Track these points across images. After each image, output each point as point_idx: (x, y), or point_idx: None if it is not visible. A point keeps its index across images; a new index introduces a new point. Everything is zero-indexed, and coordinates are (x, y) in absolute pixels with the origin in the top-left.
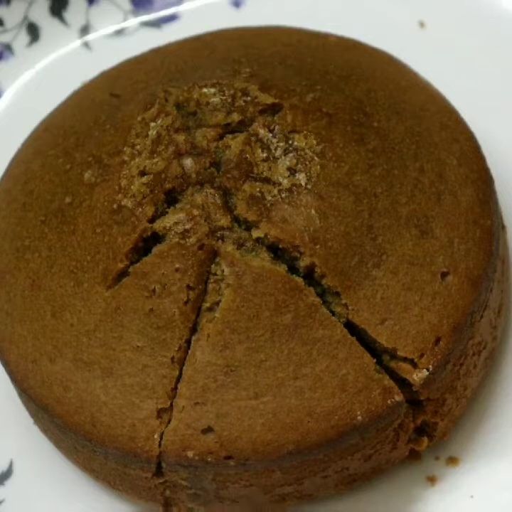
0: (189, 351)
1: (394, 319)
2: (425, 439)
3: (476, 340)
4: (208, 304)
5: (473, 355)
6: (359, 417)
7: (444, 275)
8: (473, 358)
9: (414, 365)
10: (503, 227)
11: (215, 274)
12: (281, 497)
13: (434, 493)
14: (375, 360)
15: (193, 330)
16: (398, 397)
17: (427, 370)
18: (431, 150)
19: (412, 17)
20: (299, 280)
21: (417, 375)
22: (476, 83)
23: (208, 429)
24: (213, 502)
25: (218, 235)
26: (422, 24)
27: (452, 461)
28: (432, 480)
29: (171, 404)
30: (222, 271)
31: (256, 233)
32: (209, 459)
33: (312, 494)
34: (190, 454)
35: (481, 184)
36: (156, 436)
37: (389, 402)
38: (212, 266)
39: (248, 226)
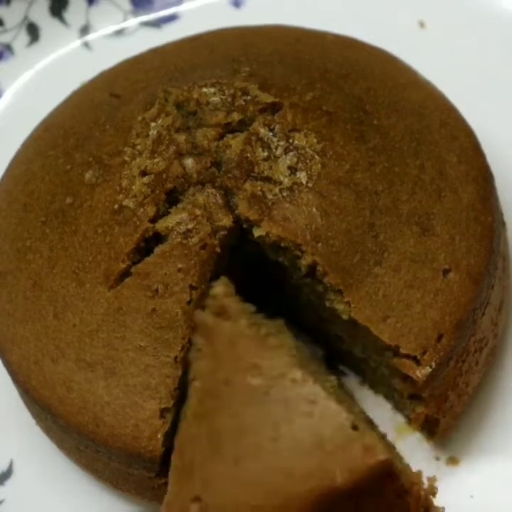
0: (179, 423)
1: (396, 316)
2: None
3: (477, 337)
4: (191, 375)
5: (474, 352)
6: (338, 478)
7: (445, 272)
8: (475, 355)
9: (417, 361)
10: (504, 224)
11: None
12: None
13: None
14: (353, 417)
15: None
16: (382, 456)
17: (430, 366)
18: (431, 147)
19: (412, 17)
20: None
21: (420, 371)
22: (476, 83)
23: (196, 499)
24: None
25: None
26: (422, 24)
27: (452, 461)
28: (431, 480)
29: (174, 404)
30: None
31: (257, 232)
32: None
33: None
34: None
35: (482, 181)
36: (159, 435)
37: (370, 461)
38: (193, 336)
39: (250, 225)
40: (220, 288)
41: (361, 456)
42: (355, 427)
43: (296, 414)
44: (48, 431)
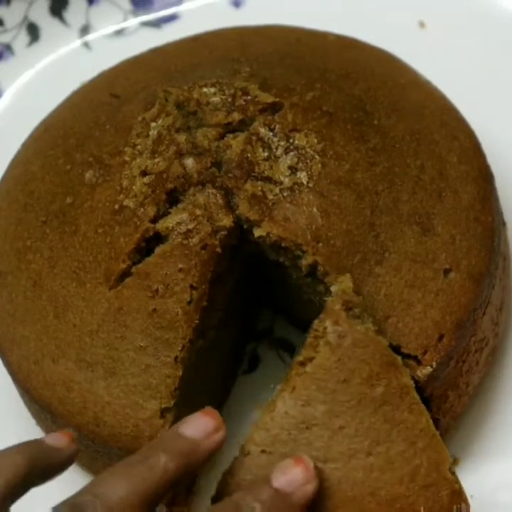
0: (271, 399)
1: (397, 316)
2: None
3: (478, 337)
4: (301, 358)
5: (475, 352)
6: None
7: (446, 272)
8: (476, 355)
9: (418, 361)
10: (504, 224)
11: (317, 330)
12: None
13: None
14: (452, 460)
15: (197, 331)
16: (465, 506)
17: (431, 366)
18: (431, 147)
19: (412, 17)
20: (398, 358)
21: (420, 371)
22: (476, 83)
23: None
24: None
25: None
26: (422, 24)
27: (452, 461)
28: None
29: (175, 404)
30: (325, 328)
31: (258, 232)
32: None
33: None
34: None
35: (482, 181)
36: (160, 435)
37: (455, 507)
38: (316, 321)
39: (250, 225)
40: (349, 284)
41: (448, 500)
42: (452, 470)
43: (400, 438)
44: (48, 431)
